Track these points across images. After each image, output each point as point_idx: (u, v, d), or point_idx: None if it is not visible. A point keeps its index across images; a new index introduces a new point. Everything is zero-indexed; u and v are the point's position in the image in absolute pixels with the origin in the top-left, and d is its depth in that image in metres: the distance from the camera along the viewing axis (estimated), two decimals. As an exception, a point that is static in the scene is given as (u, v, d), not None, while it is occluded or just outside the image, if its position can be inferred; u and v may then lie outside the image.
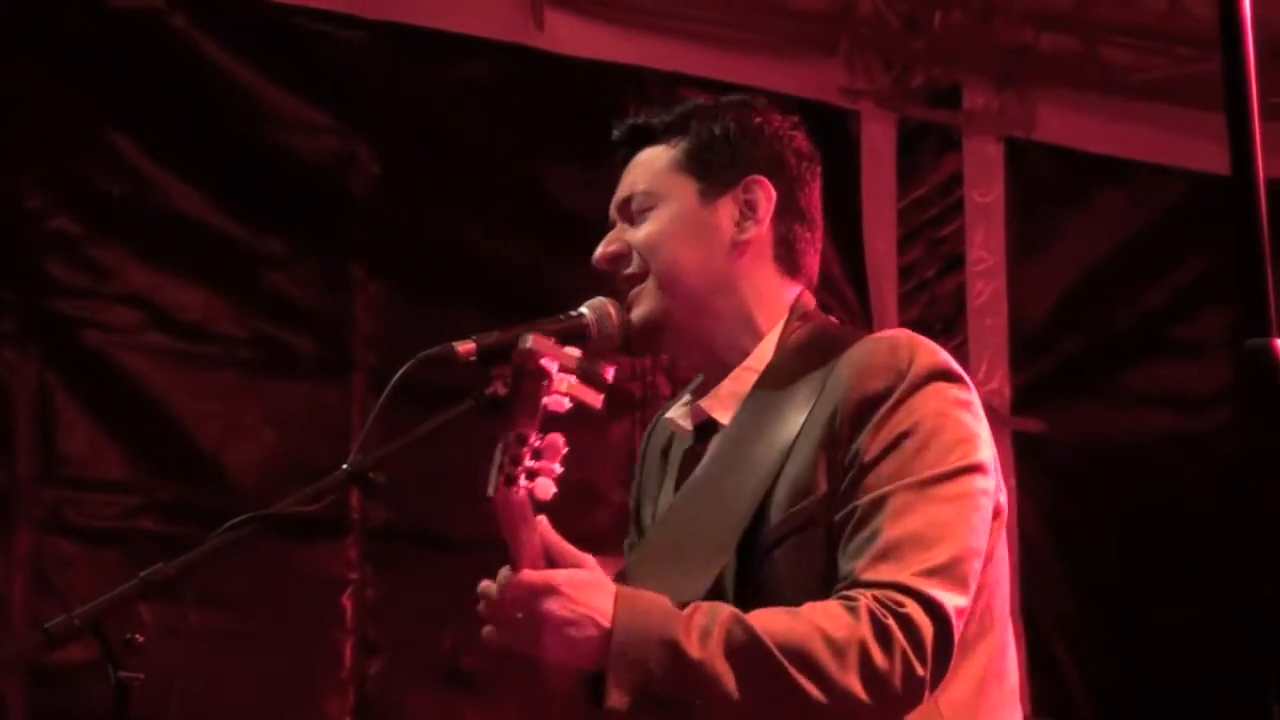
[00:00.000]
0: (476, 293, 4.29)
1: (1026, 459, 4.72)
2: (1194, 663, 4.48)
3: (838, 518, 2.07)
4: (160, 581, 2.04)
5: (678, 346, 2.26)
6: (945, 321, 4.79)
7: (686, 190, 2.27)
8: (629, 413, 4.47)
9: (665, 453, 2.38)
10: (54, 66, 4.18)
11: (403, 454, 2.13)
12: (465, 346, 2.11)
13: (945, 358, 2.15)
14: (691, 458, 2.27)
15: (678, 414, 2.30)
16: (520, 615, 2.00)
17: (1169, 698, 4.53)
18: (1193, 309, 4.87)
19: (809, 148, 2.34)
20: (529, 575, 1.99)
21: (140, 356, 4.14)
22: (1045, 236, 4.85)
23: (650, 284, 2.23)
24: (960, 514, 2.05)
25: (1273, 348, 1.36)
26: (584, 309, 2.22)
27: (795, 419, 2.14)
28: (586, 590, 2.00)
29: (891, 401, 2.08)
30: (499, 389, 2.08)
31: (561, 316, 2.20)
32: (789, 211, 2.29)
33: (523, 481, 1.97)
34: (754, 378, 2.23)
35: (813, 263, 2.32)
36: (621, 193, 2.31)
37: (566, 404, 1.99)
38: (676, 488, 2.27)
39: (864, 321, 4.75)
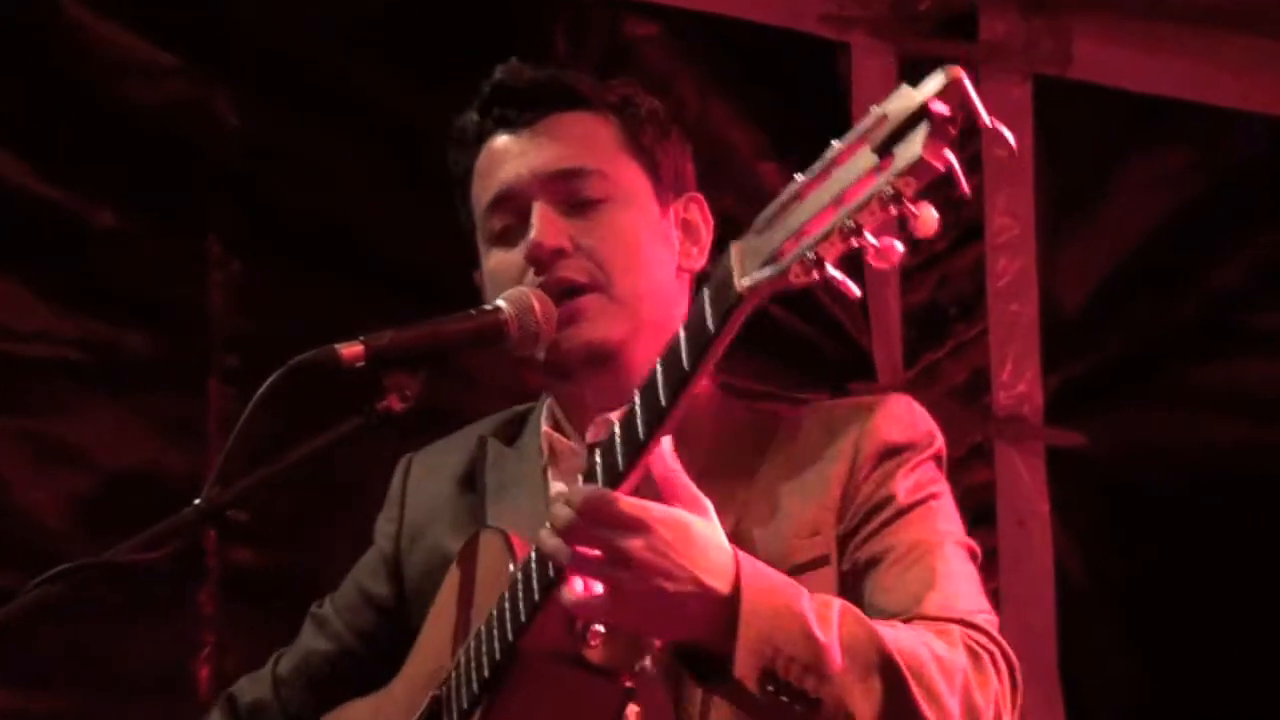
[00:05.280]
0: (359, 272, 3.97)
1: (1063, 480, 4.31)
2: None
3: (863, 555, 2.13)
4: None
5: (605, 374, 2.21)
6: (961, 305, 4.40)
7: (644, 187, 2.28)
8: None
9: (470, 478, 2.37)
10: None
11: (271, 485, 2.04)
12: (351, 350, 2.06)
13: None
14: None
15: (549, 429, 2.31)
16: (600, 551, 1.87)
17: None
18: (1273, 290, 4.41)
19: None
20: (620, 501, 1.86)
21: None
22: (1085, 201, 4.39)
23: (609, 302, 2.19)
24: (980, 586, 2.20)
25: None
26: (500, 302, 2.17)
27: (750, 463, 2.21)
28: (691, 541, 1.87)
29: (921, 456, 2.21)
30: (393, 403, 2.03)
31: (473, 311, 2.16)
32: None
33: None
34: None
35: None
36: (550, 159, 2.24)
37: None
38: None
39: (860, 309, 4.34)
